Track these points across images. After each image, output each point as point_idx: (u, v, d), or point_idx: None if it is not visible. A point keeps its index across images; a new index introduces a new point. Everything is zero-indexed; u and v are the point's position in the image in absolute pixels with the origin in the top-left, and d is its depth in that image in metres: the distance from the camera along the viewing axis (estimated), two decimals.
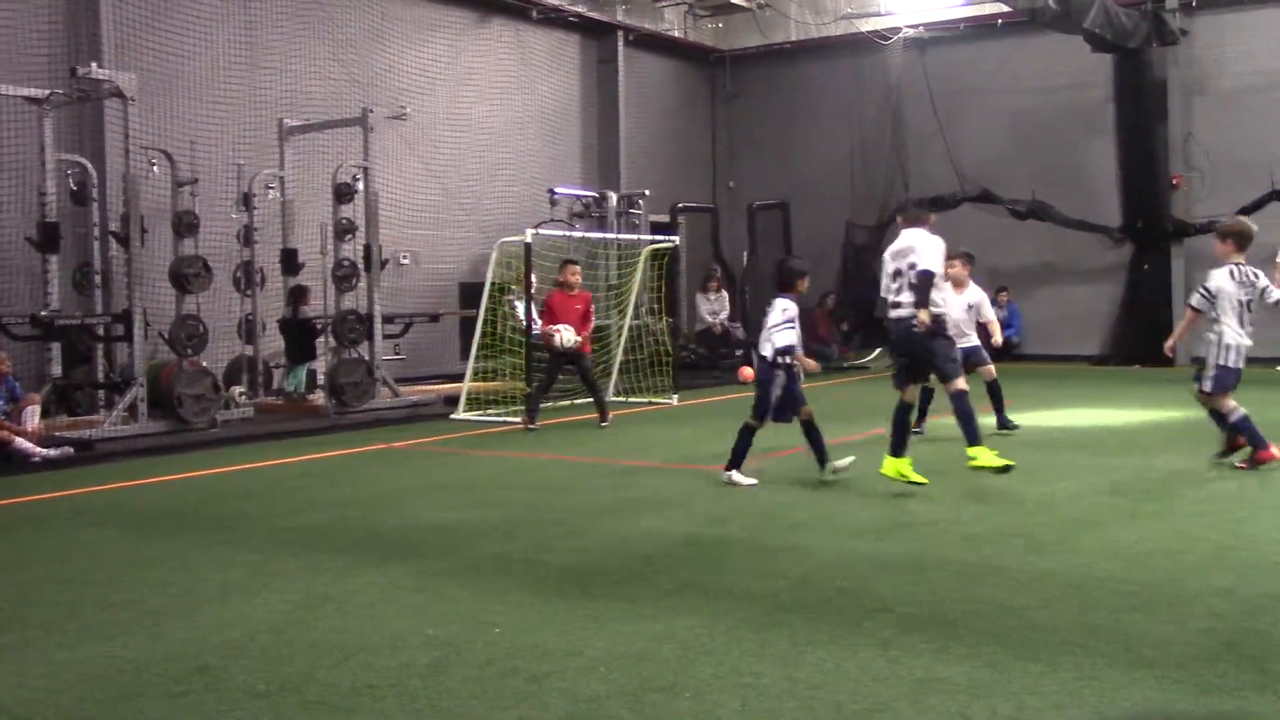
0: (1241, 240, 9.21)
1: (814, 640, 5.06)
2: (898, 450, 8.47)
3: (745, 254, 21.55)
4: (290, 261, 14.91)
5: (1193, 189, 19.67)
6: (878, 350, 21.23)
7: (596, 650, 4.97)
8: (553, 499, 8.72)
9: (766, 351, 8.93)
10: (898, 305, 8.75)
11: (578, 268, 12.99)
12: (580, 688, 4.52)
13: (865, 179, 22.58)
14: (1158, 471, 9.32)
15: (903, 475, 8.39)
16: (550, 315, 12.60)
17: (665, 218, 20.60)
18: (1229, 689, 4.39)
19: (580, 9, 20.84)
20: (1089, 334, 20.27)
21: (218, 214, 14.44)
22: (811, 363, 9.36)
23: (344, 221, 14.37)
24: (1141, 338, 19.57)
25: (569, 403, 14.83)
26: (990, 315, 11.92)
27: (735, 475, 8.95)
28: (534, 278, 14.50)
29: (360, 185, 14.39)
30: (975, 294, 11.80)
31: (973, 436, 8.61)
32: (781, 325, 8.87)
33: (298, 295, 14.73)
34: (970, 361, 11.18)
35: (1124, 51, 19.28)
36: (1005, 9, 18.95)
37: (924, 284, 8.46)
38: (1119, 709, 4.23)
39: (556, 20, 20.73)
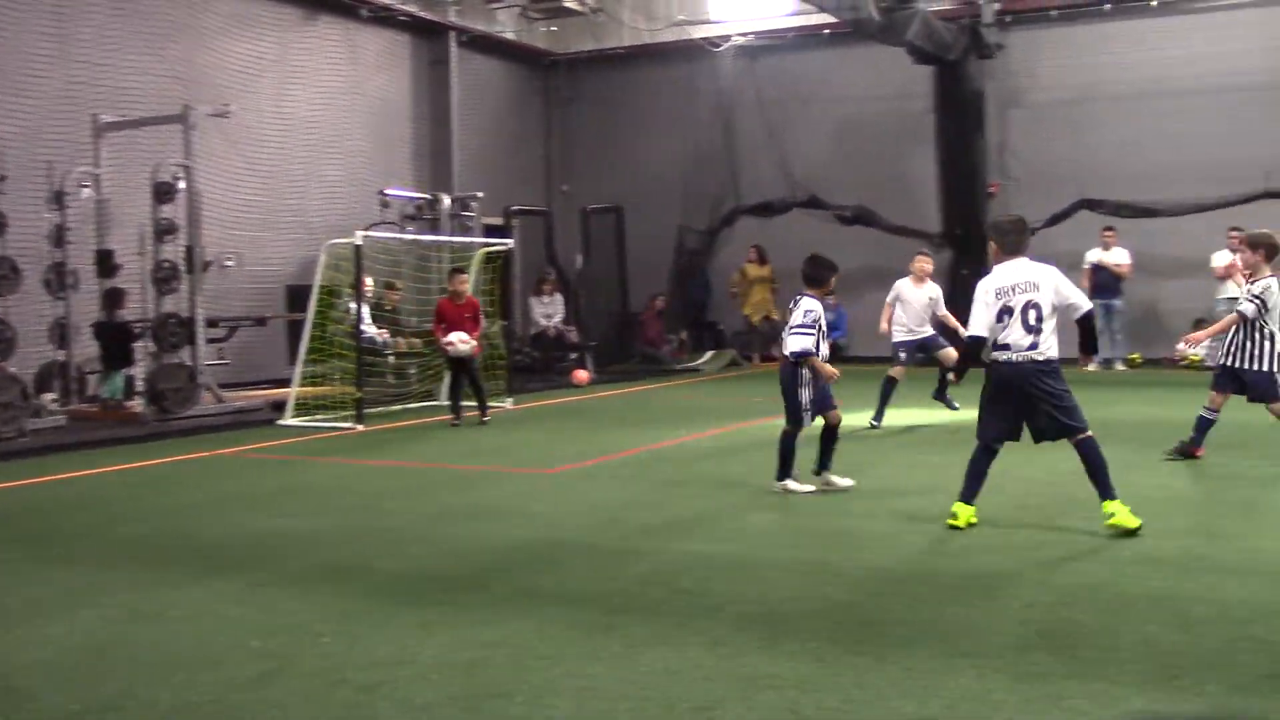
0: (1271, 251, 9.44)
1: (647, 641, 5.09)
2: (969, 498, 7.39)
3: (579, 257, 21.59)
4: (106, 263, 14.27)
5: (1008, 197, 20.48)
6: (709, 353, 21.53)
7: (428, 658, 4.90)
8: (386, 505, 8.57)
9: (787, 351, 8.49)
10: (1007, 347, 7.49)
11: (466, 277, 13.58)
12: (412, 696, 4.44)
13: (697, 184, 22.85)
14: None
15: (971, 523, 7.28)
16: (441, 323, 13.19)
17: (499, 220, 20.48)
18: (1043, 676, 4.58)
19: (412, 9, 20.55)
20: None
21: (27, 213, 13.73)
22: (830, 369, 8.67)
23: (164, 221, 13.84)
24: (959, 340, 20.31)
25: (400, 407, 14.61)
26: (944, 309, 12.78)
27: (790, 484, 8.45)
28: (366, 280, 14.26)
29: (181, 184, 13.88)
30: (934, 289, 12.86)
31: (1106, 489, 7.27)
32: (800, 327, 8.43)
33: (113, 298, 14.13)
34: (930, 348, 12.63)
35: (944, 64, 19.98)
36: (832, 20, 19.44)
37: (1089, 325, 7.69)
38: (940, 699, 4.36)
39: (387, 19, 20.40)
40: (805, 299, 8.55)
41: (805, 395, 8.45)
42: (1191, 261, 18.18)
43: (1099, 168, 19.41)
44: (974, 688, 4.46)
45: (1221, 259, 17.90)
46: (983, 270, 7.73)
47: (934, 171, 20.68)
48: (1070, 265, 19.35)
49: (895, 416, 13.18)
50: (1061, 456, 10.07)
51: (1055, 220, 19.53)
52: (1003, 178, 20.44)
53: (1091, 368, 18.59)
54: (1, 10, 14.52)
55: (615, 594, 5.94)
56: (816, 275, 8.74)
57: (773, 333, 21.93)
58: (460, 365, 13.29)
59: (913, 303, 12.67)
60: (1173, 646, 4.91)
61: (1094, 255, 18.84)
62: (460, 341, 12.92)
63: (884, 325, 13.08)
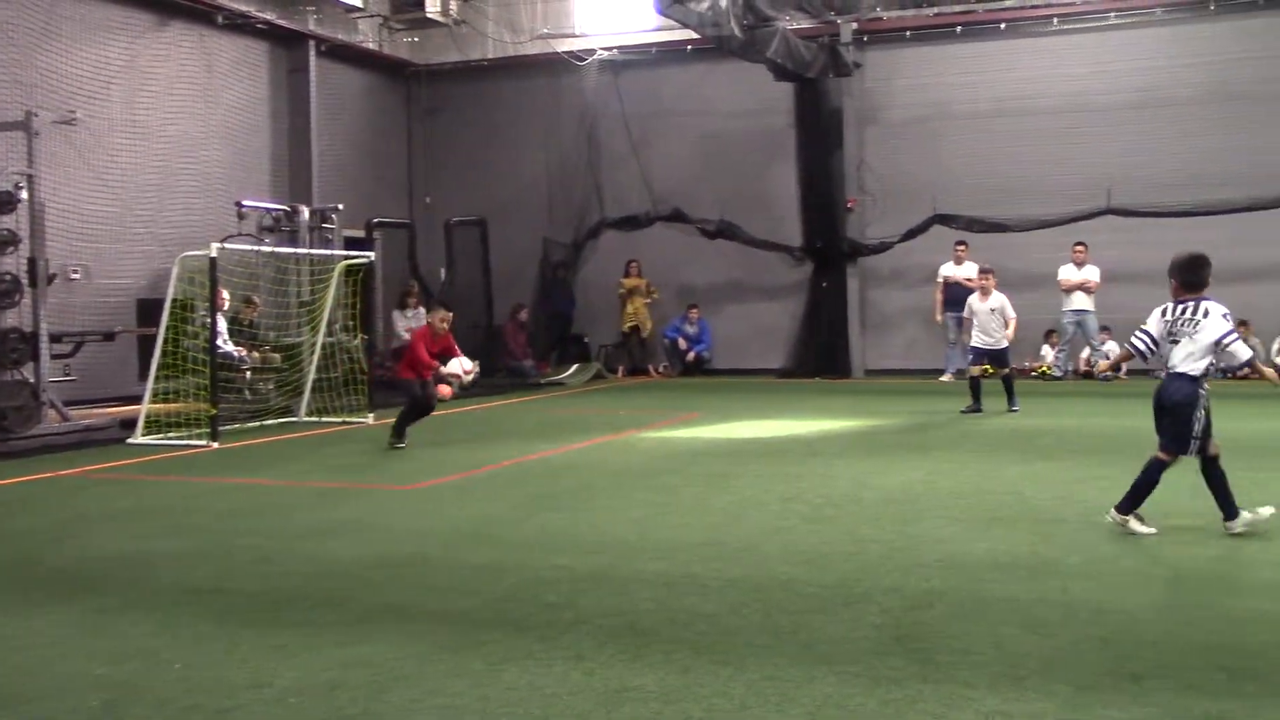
0: None
1: (510, 657, 5.04)
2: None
3: (443, 270, 21.39)
4: None
5: (866, 212, 20.97)
6: (574, 366, 21.53)
7: (285, 681, 4.77)
8: (241, 525, 8.34)
9: (1191, 369, 7.26)
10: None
11: (450, 315, 12.87)
12: None
13: (562, 196, 22.87)
14: (837, 477, 9.82)
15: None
16: (416, 353, 12.40)
17: (360, 233, 20.17)
18: (899, 680, 4.67)
19: (269, 16, 20.13)
20: (774, 348, 21.25)
21: None
22: (1271, 372, 7.81)
23: (4, 233, 13.28)
24: (822, 352, 20.73)
25: (258, 424, 14.27)
26: (1012, 315, 14.59)
27: (1133, 524, 7.29)
28: (223, 293, 13.89)
29: (24, 194, 13.34)
30: (998, 299, 14.56)
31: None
32: (1234, 333, 7.29)
33: None
34: (999, 360, 14.69)
35: (803, 81, 20.37)
36: (695, 36, 19.66)
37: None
38: (800, 705, 4.42)
39: (244, 27, 19.94)
40: (1207, 301, 7.37)
41: (1200, 421, 7.26)
42: (1039, 275, 18.86)
43: (951, 184, 20.00)
44: (834, 694, 4.53)
45: (1068, 273, 18.60)
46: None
47: (795, 186, 21.05)
48: (924, 279, 19.95)
49: (760, 429, 13.38)
50: (916, 464, 10.36)
51: (910, 235, 20.07)
52: (860, 193, 20.91)
53: (946, 378, 19.17)
54: None
55: (478, 610, 5.88)
56: (1200, 275, 7.51)
57: (642, 347, 22.10)
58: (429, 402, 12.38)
59: (979, 315, 14.62)
60: (1022, 648, 5.06)
61: (946, 269, 19.39)
62: (464, 373, 12.38)
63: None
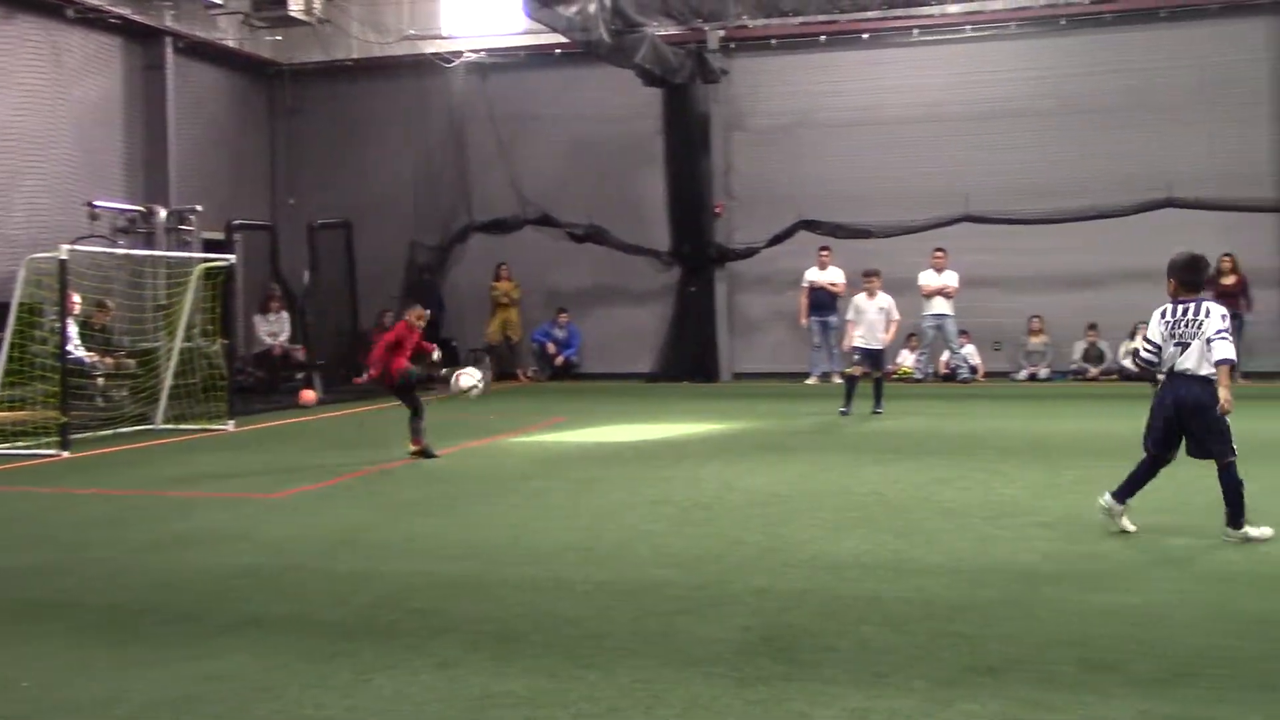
0: None
1: (378, 666, 4.97)
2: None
3: (306, 273, 20.96)
4: None
5: (733, 217, 21.21)
6: (443, 371, 21.28)
7: (139, 697, 4.62)
8: (94, 536, 8.04)
9: (1207, 370, 6.97)
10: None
11: (425, 314, 12.18)
12: None
13: (430, 200, 22.62)
14: (705, 480, 9.90)
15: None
16: (400, 348, 11.63)
17: (220, 235, 19.65)
18: (765, 680, 4.73)
19: (123, 11, 19.46)
20: (643, 352, 21.34)
21: None
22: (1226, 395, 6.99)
23: None
24: (690, 355, 20.90)
25: (111, 431, 13.79)
26: (897, 317, 15.00)
27: (1250, 530, 7.02)
28: (74, 297, 13.39)
29: None
30: (886, 300, 14.77)
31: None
32: (1224, 332, 6.97)
33: None
34: (876, 362, 14.79)
35: (671, 87, 20.51)
36: (563, 40, 19.64)
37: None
38: (668, 707, 4.44)
39: (96, 21, 19.24)
40: (1208, 302, 7.15)
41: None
42: (901, 280, 19.29)
43: (816, 190, 20.35)
44: (702, 695, 4.57)
45: (928, 278, 19.09)
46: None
47: (663, 191, 21.18)
48: (790, 283, 20.26)
49: (629, 433, 13.42)
50: (782, 466, 10.51)
51: (776, 240, 20.36)
52: (727, 199, 21.14)
53: (811, 381, 19.50)
54: None
55: (346, 619, 5.78)
56: (1198, 275, 7.29)
57: (511, 352, 21.98)
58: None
59: (868, 314, 14.73)
60: (884, 645, 5.17)
61: (811, 274, 19.72)
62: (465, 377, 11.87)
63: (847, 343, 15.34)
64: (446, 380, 12.30)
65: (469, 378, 12.01)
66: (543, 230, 21.63)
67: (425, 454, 11.39)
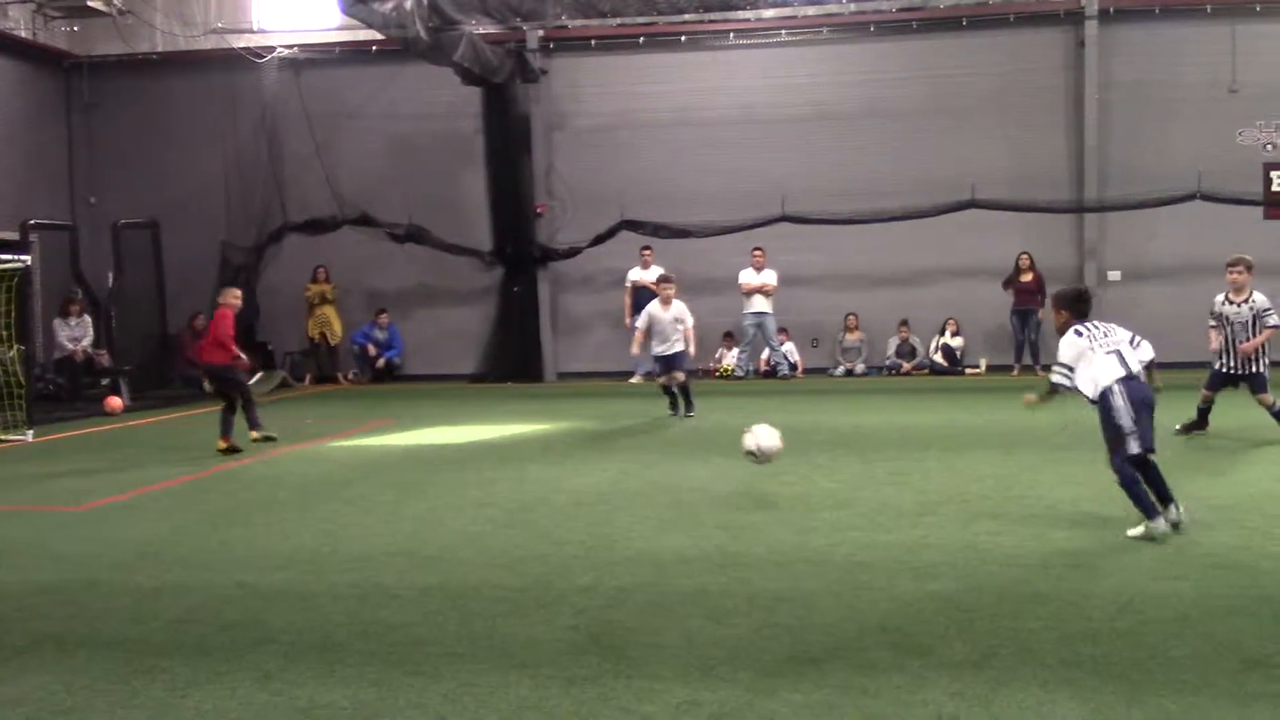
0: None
1: (193, 682, 4.79)
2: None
3: (110, 275, 20.05)
4: None
5: (555, 217, 21.19)
6: (259, 374, 20.67)
7: None
8: None
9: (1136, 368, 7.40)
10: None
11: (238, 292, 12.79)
12: None
13: (241, 199, 21.93)
14: (530, 481, 9.87)
15: None
16: (226, 332, 12.04)
17: (14, 235, 18.62)
18: (593, 678, 4.74)
19: None
20: (467, 353, 21.13)
21: None
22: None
23: None
24: (514, 356, 20.80)
25: None
26: (690, 322, 14.47)
27: (1161, 523, 7.09)
28: None
29: None
30: (678, 307, 14.39)
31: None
32: (1137, 335, 7.59)
33: None
34: (675, 366, 14.24)
35: (491, 86, 20.37)
36: (380, 37, 19.29)
37: None
38: (497, 711, 4.40)
39: None
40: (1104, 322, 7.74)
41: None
42: (721, 279, 19.64)
43: (638, 190, 20.49)
44: (530, 697, 4.54)
45: (748, 277, 19.45)
46: None
47: (484, 191, 21.02)
48: (613, 283, 20.38)
49: (453, 435, 13.27)
50: (605, 465, 10.56)
51: (599, 240, 20.44)
52: (549, 198, 21.12)
53: (635, 380, 19.65)
54: None
55: (155, 634, 5.55)
56: (1086, 307, 7.83)
57: (330, 354, 21.49)
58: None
59: (662, 322, 14.39)
60: (709, 639, 5.24)
61: (634, 274, 19.87)
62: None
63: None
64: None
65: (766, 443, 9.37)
66: (362, 230, 21.20)
67: (235, 449, 11.66)
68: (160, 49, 21.85)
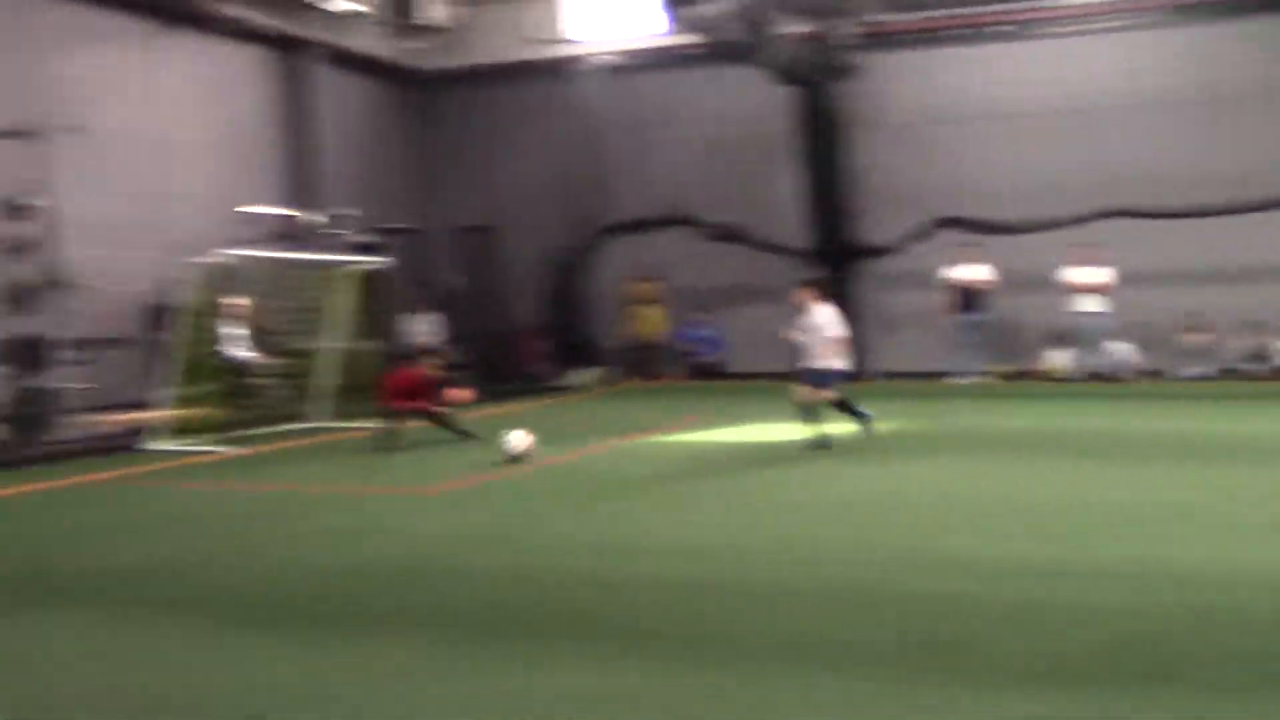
0: None
1: (535, 663, 5.06)
2: None
3: (452, 276, 21.40)
4: None
5: (871, 215, 20.96)
6: (587, 371, 21.53)
7: (293, 688, 4.79)
8: (252, 529, 8.39)
9: None
10: None
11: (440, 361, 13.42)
12: None
13: (567, 202, 22.89)
14: (847, 480, 9.82)
15: None
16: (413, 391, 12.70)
17: (369, 239, 20.18)
18: (928, 684, 4.67)
19: (273, 23, 20.15)
20: (785, 351, 21.18)
21: None
22: None
23: (19, 240, 13.32)
24: None
25: (269, 429, 14.29)
26: (837, 332, 12.08)
27: None
28: (234, 300, 13.93)
29: (37, 202, 13.38)
30: (826, 313, 12.14)
31: None
32: None
33: None
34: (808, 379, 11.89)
35: (805, 85, 20.38)
36: (697, 41, 19.68)
37: None
38: (826, 711, 4.43)
39: (247, 35, 19.96)
40: None
41: None
42: (1046, 277, 18.86)
43: (955, 186, 20.00)
44: (861, 699, 4.54)
45: (1077, 274, 18.55)
46: None
47: (800, 190, 21.07)
48: (930, 281, 19.96)
49: (767, 433, 13.37)
50: (937, 466, 10.38)
51: (916, 237, 20.09)
52: (865, 196, 20.93)
53: (960, 381, 19.17)
54: None
55: (502, 614, 5.89)
56: None
57: (652, 353, 22.13)
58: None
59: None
60: (1047, 650, 5.03)
61: (954, 271, 19.40)
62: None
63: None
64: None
65: (517, 442, 11.54)
66: (681, 230, 21.70)
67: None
68: (494, 61, 23.11)
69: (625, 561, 7.04)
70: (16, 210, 13.31)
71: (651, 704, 4.51)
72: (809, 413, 11.79)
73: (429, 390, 12.69)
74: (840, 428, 13.38)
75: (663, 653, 5.15)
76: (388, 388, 12.71)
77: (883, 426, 13.65)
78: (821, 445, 11.57)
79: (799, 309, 12.27)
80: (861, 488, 9.44)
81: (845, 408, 12.13)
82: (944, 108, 20.54)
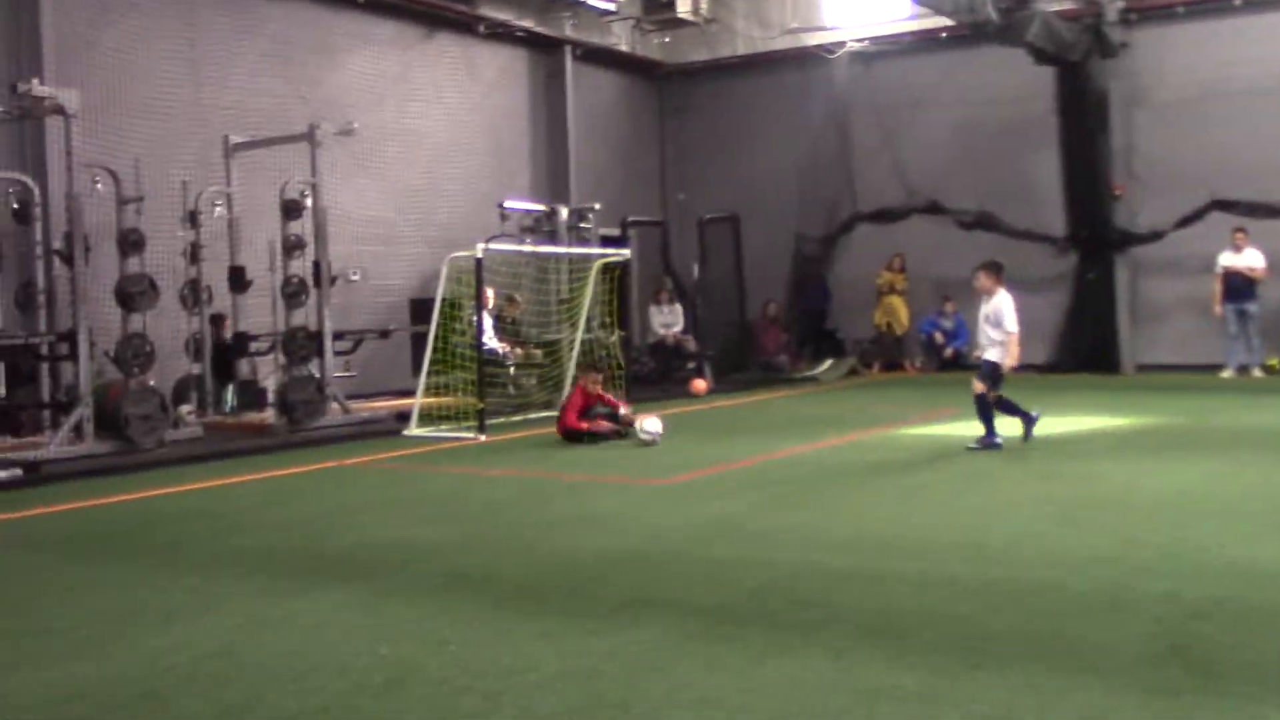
0: None
1: (767, 652, 5.07)
2: None
3: (696, 266, 21.63)
4: (238, 279, 14.79)
5: (1136, 199, 19.95)
6: (828, 362, 21.37)
7: (550, 666, 4.96)
8: (505, 514, 8.70)
9: None
10: None
11: (599, 375, 13.36)
12: (535, 704, 4.51)
13: (814, 191, 22.74)
14: (1101, 478, 9.42)
15: None
16: (584, 403, 12.85)
17: (616, 231, 20.64)
18: (1174, 692, 4.45)
19: (528, 24, 20.84)
20: (1037, 343, 20.45)
21: (163, 231, 14.28)
22: None
23: (292, 238, 14.26)
24: (1087, 346, 19.86)
25: (520, 418, 14.80)
26: (1011, 327, 11.21)
27: None
28: (487, 292, 14.46)
29: (308, 201, 14.30)
30: (995, 302, 11.31)
31: None
32: None
33: (217, 321, 14.83)
34: (982, 373, 11.24)
35: (1066, 64, 19.55)
36: (949, 22, 19.17)
37: None
38: (1064, 713, 4.27)
39: (504, 35, 20.73)
40: None
41: None
42: None
43: (1230, 167, 18.78)
44: (1102, 704, 4.36)
45: None
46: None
47: (1057, 174, 20.23)
48: (1201, 268, 18.81)
49: (1015, 427, 12.92)
50: (1190, 465, 9.81)
51: (1185, 222, 19.00)
52: (1129, 179, 19.91)
53: (1227, 374, 18.04)
54: (135, 34, 15.14)
55: (732, 604, 5.94)
56: None
57: (897, 343, 21.77)
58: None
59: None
60: None
61: (1226, 258, 18.24)
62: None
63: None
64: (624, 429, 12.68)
65: (651, 427, 12.19)
66: (929, 218, 21.22)
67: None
68: (740, 52, 23.17)
69: (862, 556, 6.95)
70: (291, 211, 14.22)
71: (898, 697, 4.44)
72: (984, 409, 11.09)
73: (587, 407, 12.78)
74: (1056, 426, 12.82)
75: (903, 646, 5.07)
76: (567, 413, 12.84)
77: (1139, 422, 13.01)
78: (989, 445, 10.94)
79: (986, 294, 11.39)
80: (1111, 485, 9.00)
81: (1007, 407, 11.26)
82: (1217, 83, 19.32)
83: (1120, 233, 19.84)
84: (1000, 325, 11.16)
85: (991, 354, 11.21)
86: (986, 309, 11.35)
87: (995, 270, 11.42)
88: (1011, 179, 20.79)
